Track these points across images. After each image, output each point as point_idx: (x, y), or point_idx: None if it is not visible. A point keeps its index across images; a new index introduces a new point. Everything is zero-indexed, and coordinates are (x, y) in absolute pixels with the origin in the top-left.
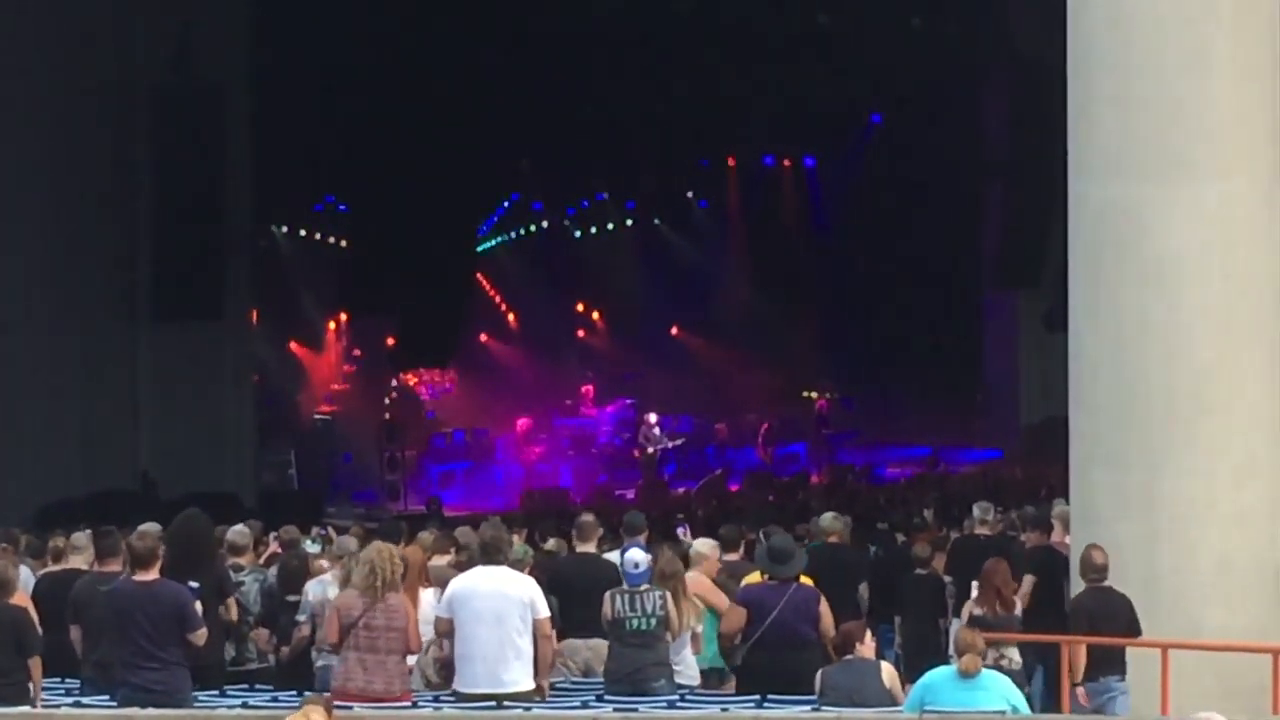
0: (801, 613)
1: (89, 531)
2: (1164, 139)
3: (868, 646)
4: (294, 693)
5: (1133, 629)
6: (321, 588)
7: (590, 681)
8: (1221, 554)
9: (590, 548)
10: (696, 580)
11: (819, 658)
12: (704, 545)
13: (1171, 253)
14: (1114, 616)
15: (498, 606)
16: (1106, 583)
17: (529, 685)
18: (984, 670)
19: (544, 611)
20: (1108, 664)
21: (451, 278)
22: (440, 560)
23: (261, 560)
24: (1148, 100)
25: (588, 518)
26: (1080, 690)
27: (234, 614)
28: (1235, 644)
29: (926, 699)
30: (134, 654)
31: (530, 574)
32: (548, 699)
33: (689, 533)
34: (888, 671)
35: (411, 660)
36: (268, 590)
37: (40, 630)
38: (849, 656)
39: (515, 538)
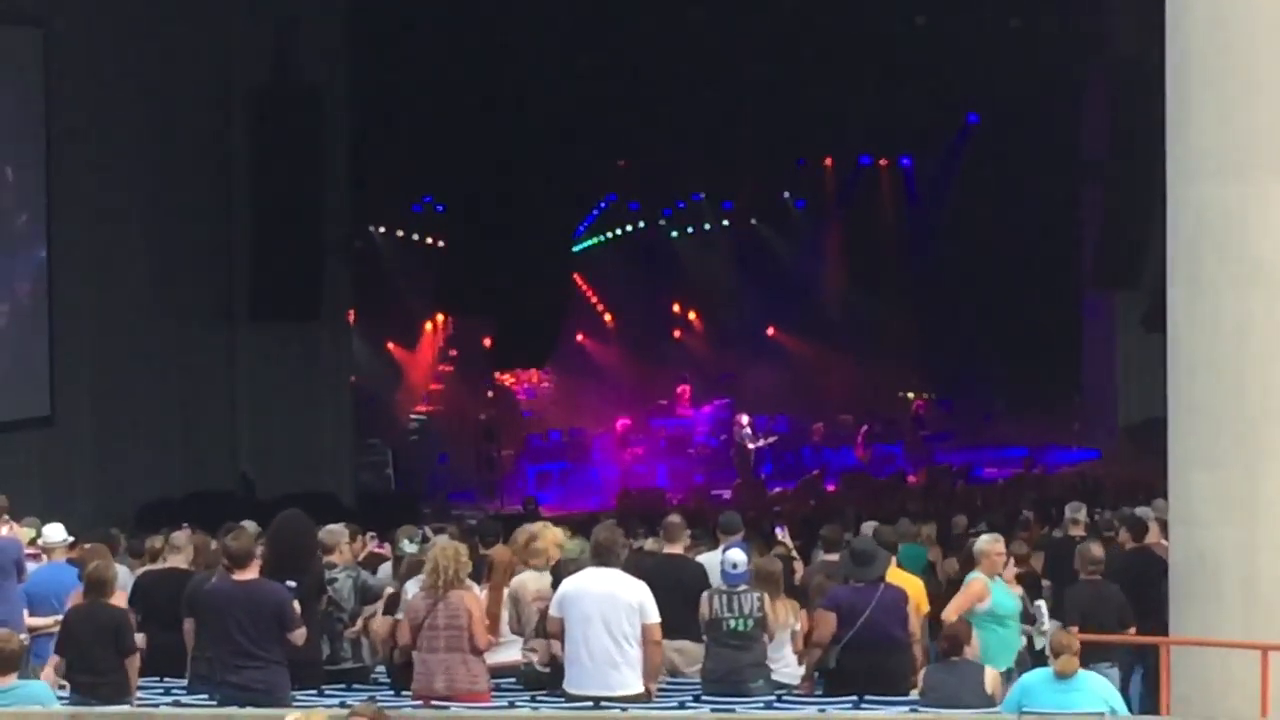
0: (892, 614)
1: (188, 531)
2: (1264, 138)
3: (973, 648)
4: (392, 693)
5: (1124, 622)
6: (418, 587)
7: (683, 681)
8: None
9: (677, 549)
10: (974, 581)
11: (909, 659)
12: (986, 541)
13: (1271, 252)
14: (1105, 609)
15: (607, 609)
16: (1099, 576)
17: (637, 688)
18: (1081, 671)
19: (653, 616)
20: (1099, 651)
21: (548, 278)
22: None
23: (359, 559)
24: (1247, 99)
25: (674, 519)
26: None
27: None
28: None
29: (1024, 701)
30: (233, 653)
31: None
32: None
33: (787, 533)
34: (990, 676)
35: (497, 658)
36: (361, 587)
37: (137, 630)
38: (954, 659)
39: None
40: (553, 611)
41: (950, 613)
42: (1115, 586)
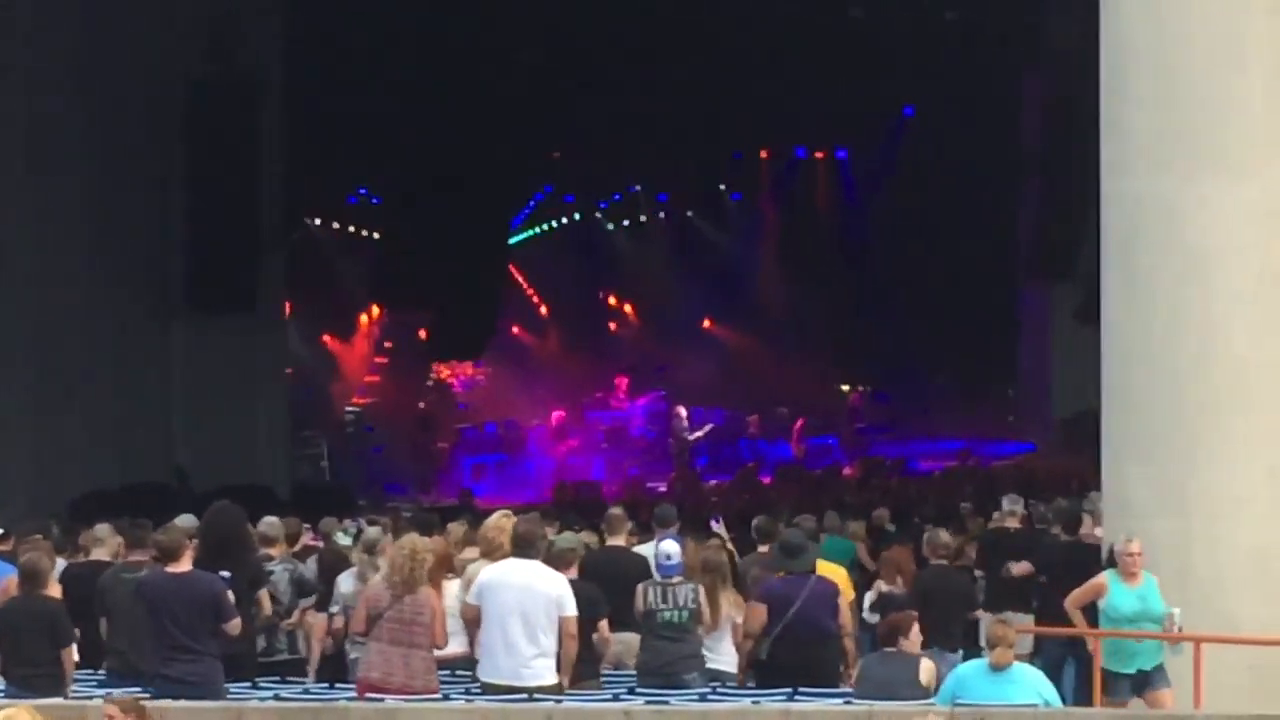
0: (823, 605)
1: (110, 524)
2: (1199, 132)
3: (913, 641)
4: (326, 685)
5: (971, 605)
6: (352, 580)
7: (621, 674)
8: (1256, 548)
9: (620, 541)
10: (1098, 576)
11: (840, 650)
12: (1119, 541)
13: (1206, 246)
14: (953, 593)
15: (525, 601)
16: (945, 561)
17: (551, 680)
18: (1015, 663)
19: (570, 610)
20: (943, 637)
21: (484, 270)
22: (471, 553)
23: (294, 551)
24: (1183, 93)
25: (616, 511)
26: None
27: (267, 608)
28: (1270, 638)
29: (958, 692)
30: (167, 646)
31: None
32: (566, 693)
33: (722, 525)
34: (926, 668)
35: (441, 652)
36: (297, 580)
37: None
38: (890, 649)
39: (570, 531)
40: (470, 599)
41: (1068, 603)
42: (964, 572)
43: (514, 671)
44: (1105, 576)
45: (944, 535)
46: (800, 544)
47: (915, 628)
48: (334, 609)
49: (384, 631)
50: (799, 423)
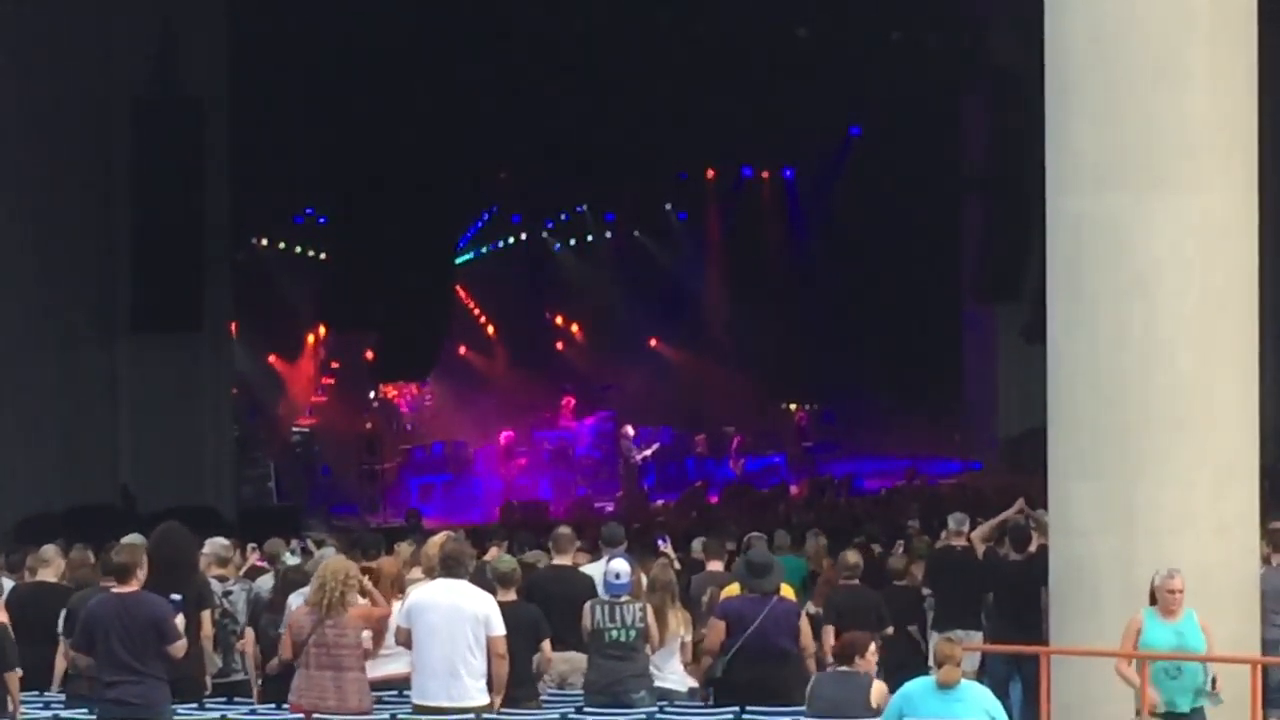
0: (782, 625)
1: (55, 546)
2: (1142, 151)
3: (868, 661)
4: (273, 705)
5: (883, 621)
6: (302, 599)
7: (568, 694)
8: (1200, 564)
9: (567, 560)
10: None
11: (798, 671)
12: (1157, 575)
13: (1149, 265)
14: (863, 611)
15: (451, 620)
16: (856, 581)
17: (482, 700)
18: (963, 681)
19: (498, 630)
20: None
21: (430, 291)
22: (416, 573)
23: (241, 573)
24: (1126, 113)
25: (564, 530)
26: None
27: (208, 629)
28: (1214, 655)
29: (905, 710)
30: (112, 667)
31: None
32: (510, 712)
33: (669, 545)
34: (877, 689)
35: (381, 671)
36: (254, 600)
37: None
38: (845, 668)
39: (508, 555)
40: (400, 621)
41: (1120, 653)
42: (873, 591)
43: (443, 692)
44: (1142, 614)
45: (852, 557)
46: (767, 563)
47: (871, 647)
48: (282, 629)
49: (311, 658)
50: (736, 440)
